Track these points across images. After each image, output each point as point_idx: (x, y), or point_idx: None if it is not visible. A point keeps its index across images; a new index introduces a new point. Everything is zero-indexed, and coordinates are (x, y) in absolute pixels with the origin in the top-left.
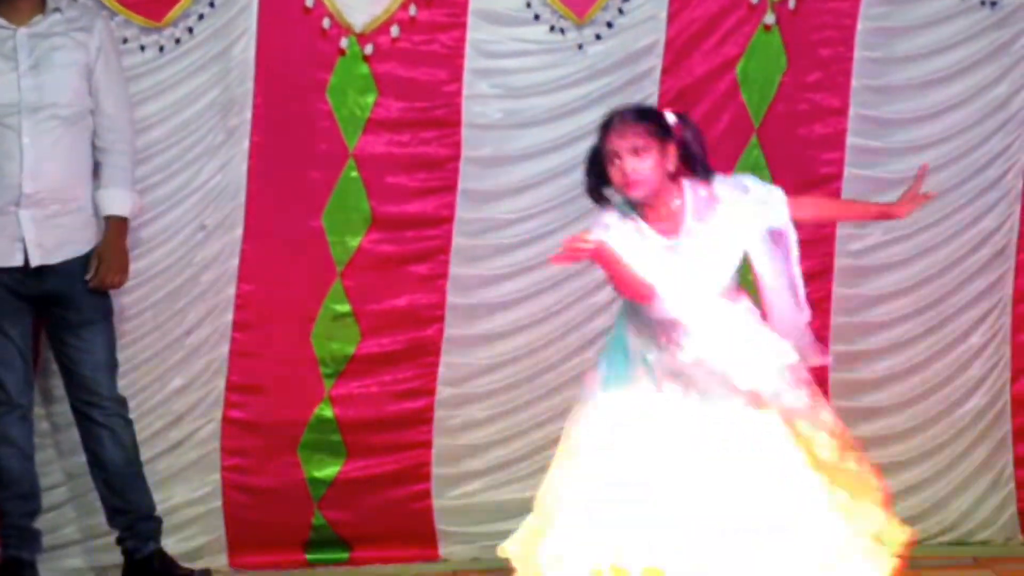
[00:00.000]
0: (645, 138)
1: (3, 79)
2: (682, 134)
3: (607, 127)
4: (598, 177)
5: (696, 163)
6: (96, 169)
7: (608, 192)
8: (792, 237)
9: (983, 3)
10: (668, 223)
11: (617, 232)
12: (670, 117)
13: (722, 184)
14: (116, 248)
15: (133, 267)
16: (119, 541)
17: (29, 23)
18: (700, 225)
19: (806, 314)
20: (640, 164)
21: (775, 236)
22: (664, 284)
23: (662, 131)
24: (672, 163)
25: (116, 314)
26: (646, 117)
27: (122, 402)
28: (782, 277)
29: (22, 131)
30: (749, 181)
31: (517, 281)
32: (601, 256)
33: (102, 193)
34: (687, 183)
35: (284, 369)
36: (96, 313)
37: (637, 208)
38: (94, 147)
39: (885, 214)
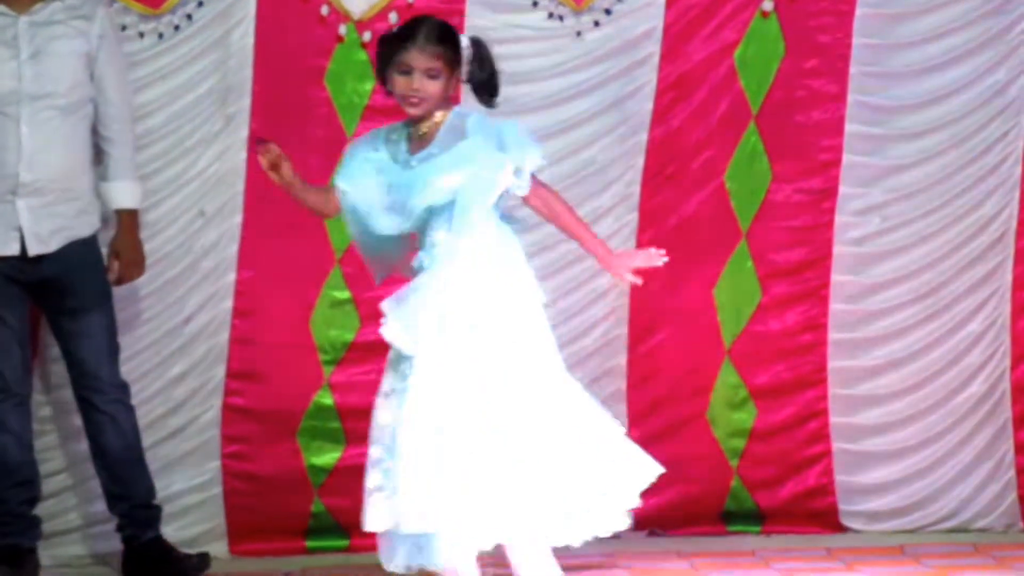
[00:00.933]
0: (441, 62)
1: (3, 67)
2: (472, 62)
3: (410, 38)
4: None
5: (480, 90)
6: (98, 157)
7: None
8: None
9: None
10: (420, 142)
11: (369, 151)
12: (464, 42)
13: (478, 122)
14: (131, 242)
15: None
16: (119, 528)
17: (30, 11)
18: (438, 152)
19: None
20: (428, 85)
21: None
22: (396, 203)
23: (456, 58)
24: (452, 88)
25: (121, 301)
26: (446, 40)
27: (124, 387)
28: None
29: (21, 120)
30: (513, 138)
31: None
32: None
33: (110, 186)
34: (455, 110)
35: (283, 356)
36: (95, 298)
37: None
38: (97, 135)
39: (601, 257)
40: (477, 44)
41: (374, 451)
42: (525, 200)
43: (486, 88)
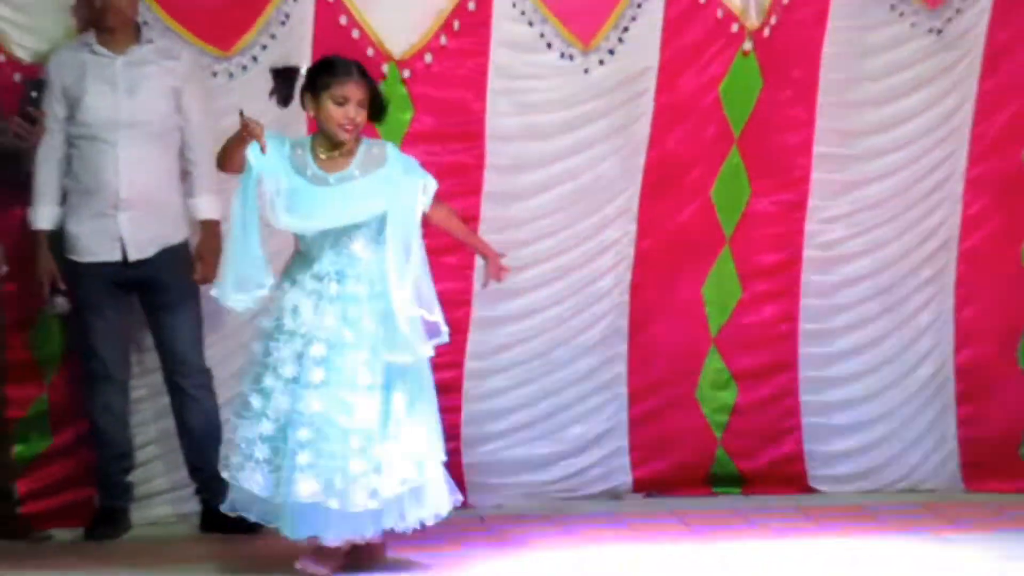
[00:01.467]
0: (366, 93)
1: (104, 100)
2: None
3: (340, 73)
4: (288, 91)
5: (377, 115)
6: (184, 176)
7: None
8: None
9: (931, 31)
10: (333, 163)
11: (278, 148)
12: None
13: (395, 153)
14: (213, 247)
15: None
16: (197, 492)
17: (126, 52)
18: (360, 175)
19: (402, 293)
20: (360, 114)
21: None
22: (301, 209)
23: (373, 90)
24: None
25: (208, 298)
26: (367, 75)
27: (207, 373)
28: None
29: (118, 145)
30: (416, 165)
31: (532, 271)
32: (247, 129)
33: (195, 200)
34: (365, 140)
35: None
36: (184, 295)
37: (315, 140)
38: (183, 158)
39: (491, 257)
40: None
41: (265, 427)
42: (427, 216)
43: (381, 112)
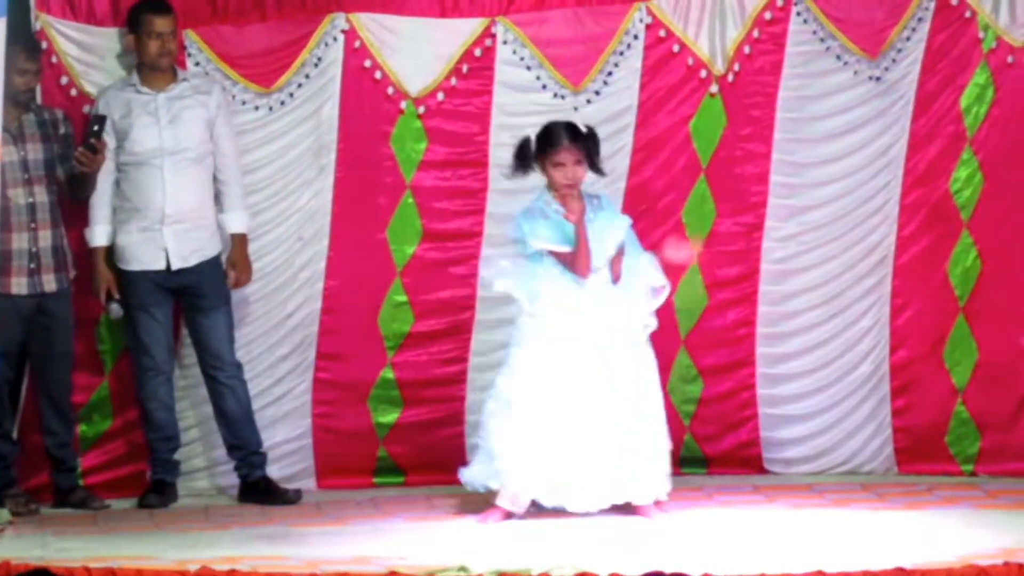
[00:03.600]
0: (582, 153)
1: (150, 132)
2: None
3: (558, 139)
4: (525, 167)
5: (595, 167)
6: (216, 196)
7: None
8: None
9: (871, 78)
10: (574, 206)
11: (543, 216)
12: (583, 129)
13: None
14: (244, 257)
15: None
16: (235, 468)
17: (166, 89)
18: (597, 216)
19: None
20: (580, 171)
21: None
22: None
23: (588, 149)
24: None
25: (237, 303)
26: (585, 138)
27: (239, 366)
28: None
29: (164, 169)
30: (607, 202)
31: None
32: (580, 224)
33: (227, 216)
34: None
35: (358, 343)
36: (219, 300)
37: (553, 198)
38: (216, 180)
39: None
40: (593, 133)
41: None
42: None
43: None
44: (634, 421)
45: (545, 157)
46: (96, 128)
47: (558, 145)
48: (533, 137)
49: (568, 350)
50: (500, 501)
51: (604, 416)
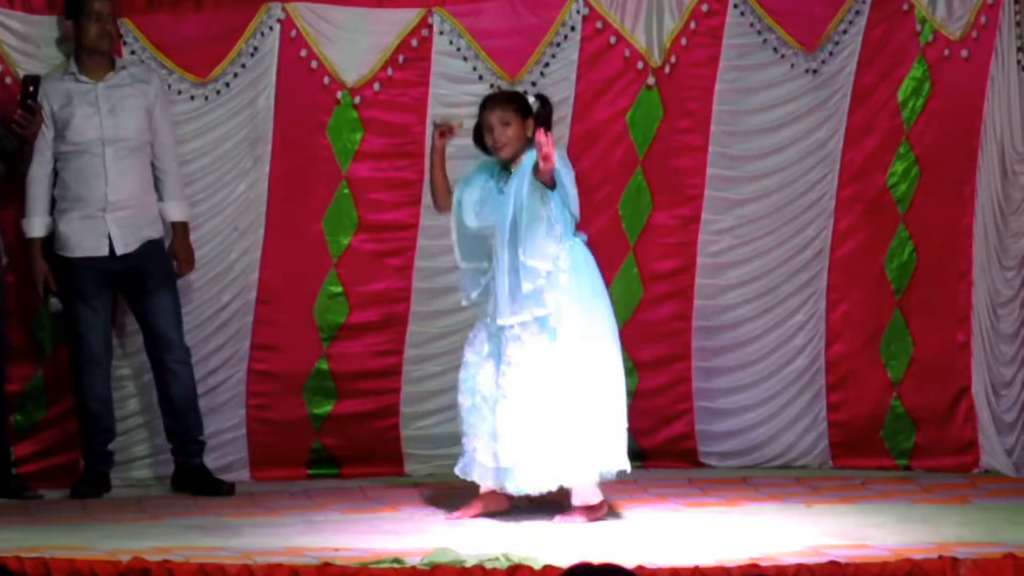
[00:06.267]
0: (510, 114)
1: (91, 121)
2: (538, 110)
3: (483, 103)
4: (481, 143)
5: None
6: (156, 185)
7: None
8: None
9: (807, 71)
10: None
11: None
12: (530, 98)
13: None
14: (186, 245)
15: None
16: (172, 453)
17: (104, 79)
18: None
19: None
20: (508, 132)
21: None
22: (482, 209)
23: (524, 109)
24: (530, 131)
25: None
26: (511, 99)
27: (188, 350)
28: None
29: (105, 157)
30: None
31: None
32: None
33: (167, 205)
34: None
35: (293, 333)
36: (164, 280)
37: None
38: (154, 168)
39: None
40: (542, 98)
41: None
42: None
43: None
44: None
45: (482, 122)
46: (31, 89)
47: (483, 108)
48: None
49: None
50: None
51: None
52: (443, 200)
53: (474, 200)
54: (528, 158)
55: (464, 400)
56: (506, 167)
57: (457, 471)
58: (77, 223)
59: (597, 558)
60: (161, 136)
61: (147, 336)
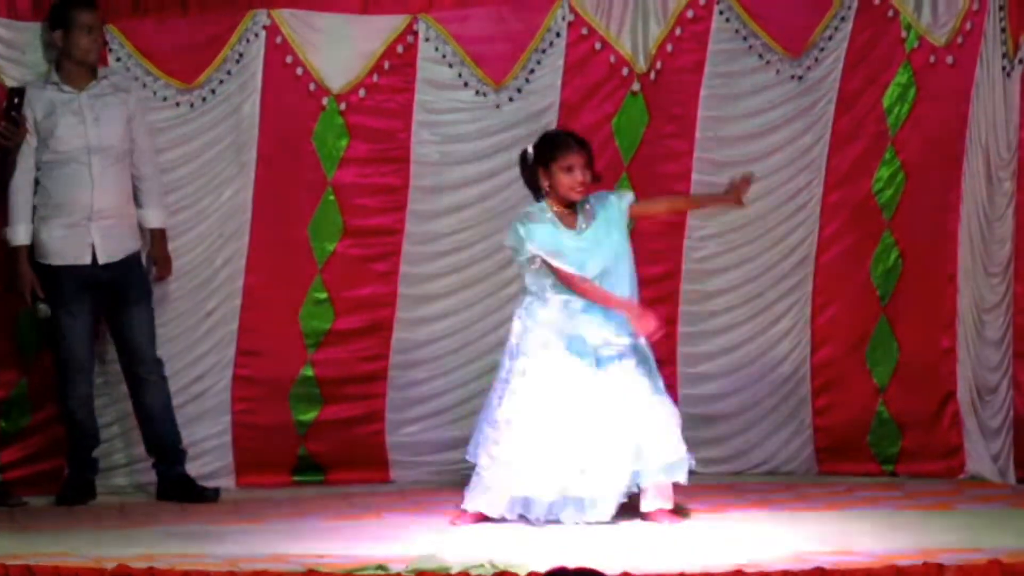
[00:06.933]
0: (587, 157)
1: (76, 130)
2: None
3: (566, 142)
4: (535, 183)
5: (595, 174)
6: (134, 193)
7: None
8: None
9: (792, 77)
10: (569, 220)
11: (543, 221)
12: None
13: (595, 198)
14: (164, 253)
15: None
16: (154, 465)
17: (87, 88)
18: (592, 224)
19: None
20: (588, 175)
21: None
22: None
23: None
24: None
25: (158, 300)
26: (586, 145)
27: (160, 362)
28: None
29: (92, 166)
30: (608, 194)
31: (450, 278)
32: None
33: (145, 212)
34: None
35: (278, 340)
36: (142, 295)
37: (550, 207)
38: (132, 176)
39: (724, 202)
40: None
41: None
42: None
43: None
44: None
45: (553, 163)
46: (16, 101)
47: (567, 149)
48: (531, 148)
49: (565, 360)
50: (471, 504)
51: (608, 421)
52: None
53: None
54: (599, 202)
55: None
56: (570, 208)
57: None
58: (60, 231)
59: (579, 564)
60: (140, 144)
61: (121, 348)
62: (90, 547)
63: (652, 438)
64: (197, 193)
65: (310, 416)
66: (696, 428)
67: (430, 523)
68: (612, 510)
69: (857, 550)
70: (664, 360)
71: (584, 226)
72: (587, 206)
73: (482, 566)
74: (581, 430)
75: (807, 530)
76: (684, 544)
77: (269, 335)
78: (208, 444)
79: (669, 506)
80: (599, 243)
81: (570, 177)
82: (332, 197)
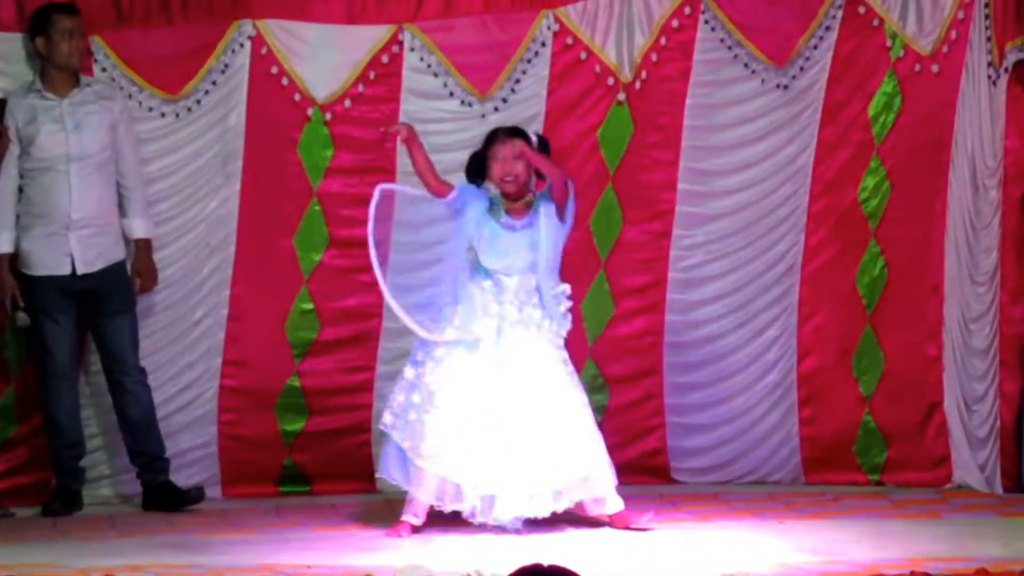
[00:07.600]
0: (519, 149)
1: (55, 137)
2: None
3: (496, 134)
4: (477, 175)
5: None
6: (120, 202)
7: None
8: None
9: (778, 86)
10: (517, 212)
11: (475, 200)
12: (533, 137)
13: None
14: (149, 263)
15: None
16: (138, 475)
17: (69, 95)
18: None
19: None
20: (518, 166)
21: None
22: (497, 249)
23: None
24: (531, 171)
25: (144, 311)
26: (520, 134)
27: (143, 372)
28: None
29: (70, 174)
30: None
31: (433, 289)
32: (410, 139)
33: (130, 222)
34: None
35: (265, 350)
36: (124, 304)
37: (501, 196)
38: (118, 185)
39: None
40: (541, 138)
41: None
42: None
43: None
44: (562, 424)
45: (487, 153)
46: None
47: (494, 139)
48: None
49: (490, 353)
50: (406, 515)
51: (531, 419)
52: (433, 183)
53: (482, 238)
54: (541, 201)
55: None
56: (510, 200)
57: None
58: (40, 241)
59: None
60: (125, 154)
61: (104, 357)
62: (76, 558)
63: (566, 452)
64: (183, 204)
65: (296, 426)
66: (683, 437)
67: (416, 533)
68: (520, 511)
69: (844, 559)
70: (650, 370)
71: (519, 226)
72: (540, 205)
73: (468, 575)
74: (496, 422)
75: (794, 540)
76: (671, 553)
77: (255, 345)
78: (194, 454)
79: (619, 507)
80: (535, 245)
81: (497, 166)
82: (318, 207)
